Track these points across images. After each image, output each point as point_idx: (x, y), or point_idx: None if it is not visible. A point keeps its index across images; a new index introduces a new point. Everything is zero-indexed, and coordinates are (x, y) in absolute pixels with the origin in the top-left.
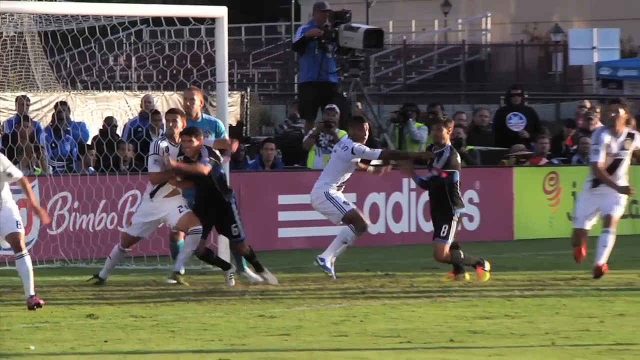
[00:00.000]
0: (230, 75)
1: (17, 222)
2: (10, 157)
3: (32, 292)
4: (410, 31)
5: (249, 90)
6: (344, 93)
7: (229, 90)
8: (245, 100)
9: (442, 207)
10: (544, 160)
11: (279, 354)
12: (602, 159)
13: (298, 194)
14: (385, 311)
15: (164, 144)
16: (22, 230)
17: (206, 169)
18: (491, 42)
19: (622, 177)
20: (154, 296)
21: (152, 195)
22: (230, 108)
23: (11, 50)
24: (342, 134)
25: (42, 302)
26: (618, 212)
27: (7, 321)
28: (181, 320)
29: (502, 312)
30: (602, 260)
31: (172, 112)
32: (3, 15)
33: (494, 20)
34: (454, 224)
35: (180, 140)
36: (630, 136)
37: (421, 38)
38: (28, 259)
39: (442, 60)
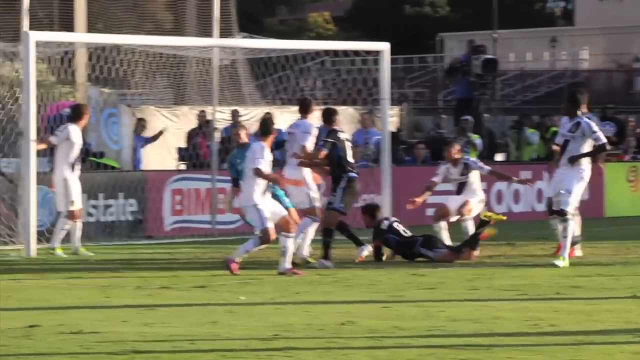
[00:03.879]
0: (391, 93)
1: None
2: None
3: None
4: (526, 60)
5: (405, 105)
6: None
7: (390, 105)
8: (402, 112)
9: None
10: (628, 157)
11: (427, 303)
12: None
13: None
14: (508, 271)
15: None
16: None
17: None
18: (588, 69)
19: None
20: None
21: None
22: (391, 119)
23: (226, 75)
24: (475, 137)
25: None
26: None
27: (222, 279)
28: (355, 277)
29: (595, 272)
30: None
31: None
32: (221, 49)
33: (590, 52)
34: None
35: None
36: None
37: (534, 65)
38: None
39: (550, 82)
